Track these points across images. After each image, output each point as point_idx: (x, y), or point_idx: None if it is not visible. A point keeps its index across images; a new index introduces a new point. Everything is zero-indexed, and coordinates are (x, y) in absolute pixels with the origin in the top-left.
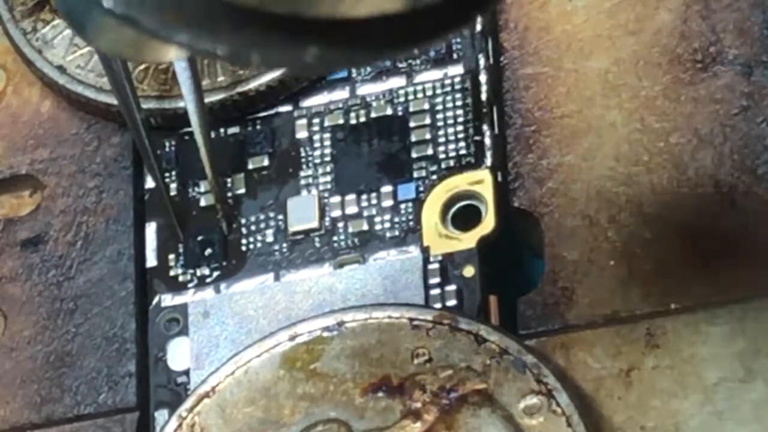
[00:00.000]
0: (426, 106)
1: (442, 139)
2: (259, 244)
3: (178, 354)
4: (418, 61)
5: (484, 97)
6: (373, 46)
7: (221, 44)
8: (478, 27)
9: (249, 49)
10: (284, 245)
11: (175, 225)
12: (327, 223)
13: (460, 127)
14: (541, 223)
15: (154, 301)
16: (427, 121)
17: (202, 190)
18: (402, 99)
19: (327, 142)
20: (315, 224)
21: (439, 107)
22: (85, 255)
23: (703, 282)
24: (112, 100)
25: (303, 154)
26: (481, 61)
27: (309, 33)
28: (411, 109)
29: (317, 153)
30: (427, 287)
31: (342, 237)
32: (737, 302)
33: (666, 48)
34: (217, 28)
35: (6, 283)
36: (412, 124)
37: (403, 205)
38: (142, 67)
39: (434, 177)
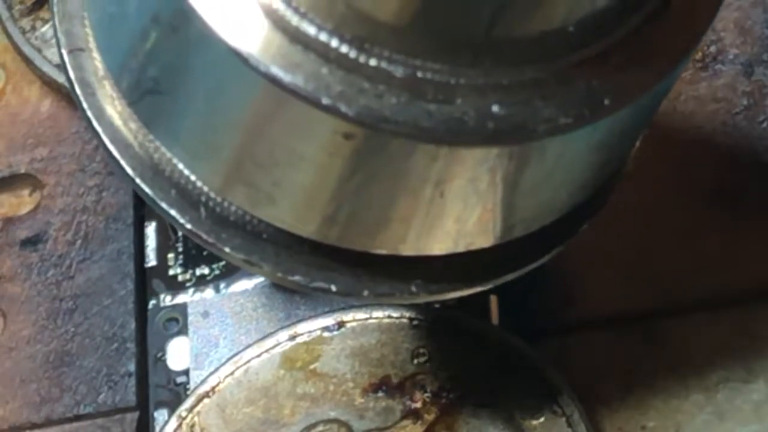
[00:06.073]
0: None
1: None
2: None
3: (177, 354)
4: None
5: None
6: (468, 276)
7: (334, 283)
8: None
9: (360, 286)
10: None
11: (171, 226)
12: None
13: None
14: None
15: (154, 301)
16: None
17: None
18: None
19: None
20: None
21: None
22: (85, 254)
23: (703, 282)
24: None
25: None
26: None
27: (412, 269)
28: None
29: None
30: None
31: None
32: (738, 302)
33: None
34: (329, 269)
35: (5, 283)
36: None
37: None
38: None
39: None
